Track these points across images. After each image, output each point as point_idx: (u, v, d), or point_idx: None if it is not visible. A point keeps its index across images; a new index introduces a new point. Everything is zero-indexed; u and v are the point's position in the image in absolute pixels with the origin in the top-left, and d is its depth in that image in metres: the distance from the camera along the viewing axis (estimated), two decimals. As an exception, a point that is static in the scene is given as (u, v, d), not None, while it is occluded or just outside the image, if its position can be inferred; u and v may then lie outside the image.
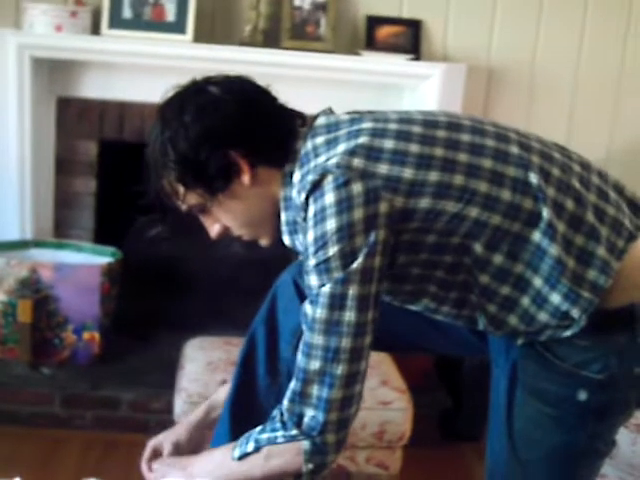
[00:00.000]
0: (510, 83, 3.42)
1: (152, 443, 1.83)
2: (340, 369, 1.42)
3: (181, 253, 3.39)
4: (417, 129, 1.46)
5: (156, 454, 1.81)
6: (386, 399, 2.54)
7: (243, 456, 1.52)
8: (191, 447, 1.81)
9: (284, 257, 2.85)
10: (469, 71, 3.22)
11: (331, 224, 1.37)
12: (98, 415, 3.09)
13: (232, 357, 2.65)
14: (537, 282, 1.46)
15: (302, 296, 1.66)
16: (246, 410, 1.75)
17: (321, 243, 1.38)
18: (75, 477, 2.67)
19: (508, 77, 3.41)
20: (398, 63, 3.18)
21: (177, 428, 1.85)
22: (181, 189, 1.52)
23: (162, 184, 1.53)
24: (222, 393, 1.86)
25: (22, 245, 3.29)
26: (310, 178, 1.41)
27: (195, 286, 3.50)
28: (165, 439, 1.82)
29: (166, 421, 2.82)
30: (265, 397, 1.74)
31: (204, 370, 2.63)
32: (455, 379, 3.23)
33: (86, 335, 3.13)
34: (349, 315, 1.40)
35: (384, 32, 3.27)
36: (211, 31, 3.25)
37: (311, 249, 1.40)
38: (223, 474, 1.56)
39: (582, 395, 1.50)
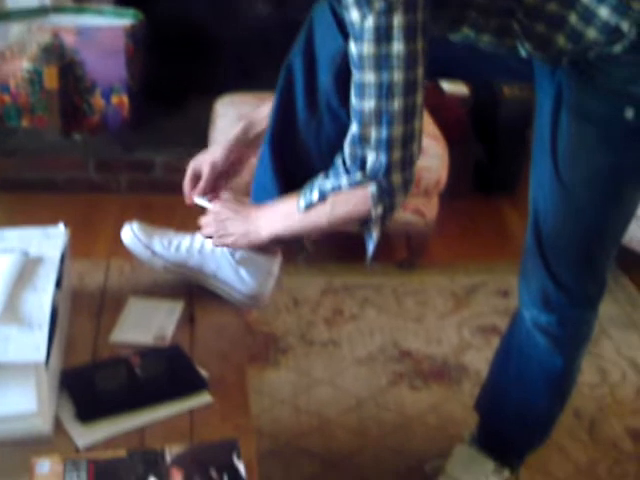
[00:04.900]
0: None
1: (192, 165, 1.79)
2: (396, 104, 1.37)
3: (205, 14, 3.29)
4: None
5: (196, 176, 1.78)
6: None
7: (309, 206, 1.51)
8: (227, 166, 1.77)
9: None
10: None
11: None
12: (132, 179, 3.12)
13: (264, 111, 2.62)
14: None
15: (339, 21, 1.60)
16: (286, 145, 1.71)
17: None
18: (115, 235, 2.72)
19: None
20: None
21: (214, 148, 1.80)
22: None
23: None
24: (261, 112, 1.79)
25: (42, 12, 3.21)
26: None
27: (222, 48, 3.42)
28: (204, 160, 1.77)
29: (201, 180, 2.85)
30: (305, 131, 1.69)
31: (237, 123, 2.59)
32: (490, 131, 3.20)
33: (115, 99, 3.10)
34: (397, 46, 1.33)
35: None
36: None
37: None
38: (290, 225, 1.56)
39: (629, 113, 1.46)
